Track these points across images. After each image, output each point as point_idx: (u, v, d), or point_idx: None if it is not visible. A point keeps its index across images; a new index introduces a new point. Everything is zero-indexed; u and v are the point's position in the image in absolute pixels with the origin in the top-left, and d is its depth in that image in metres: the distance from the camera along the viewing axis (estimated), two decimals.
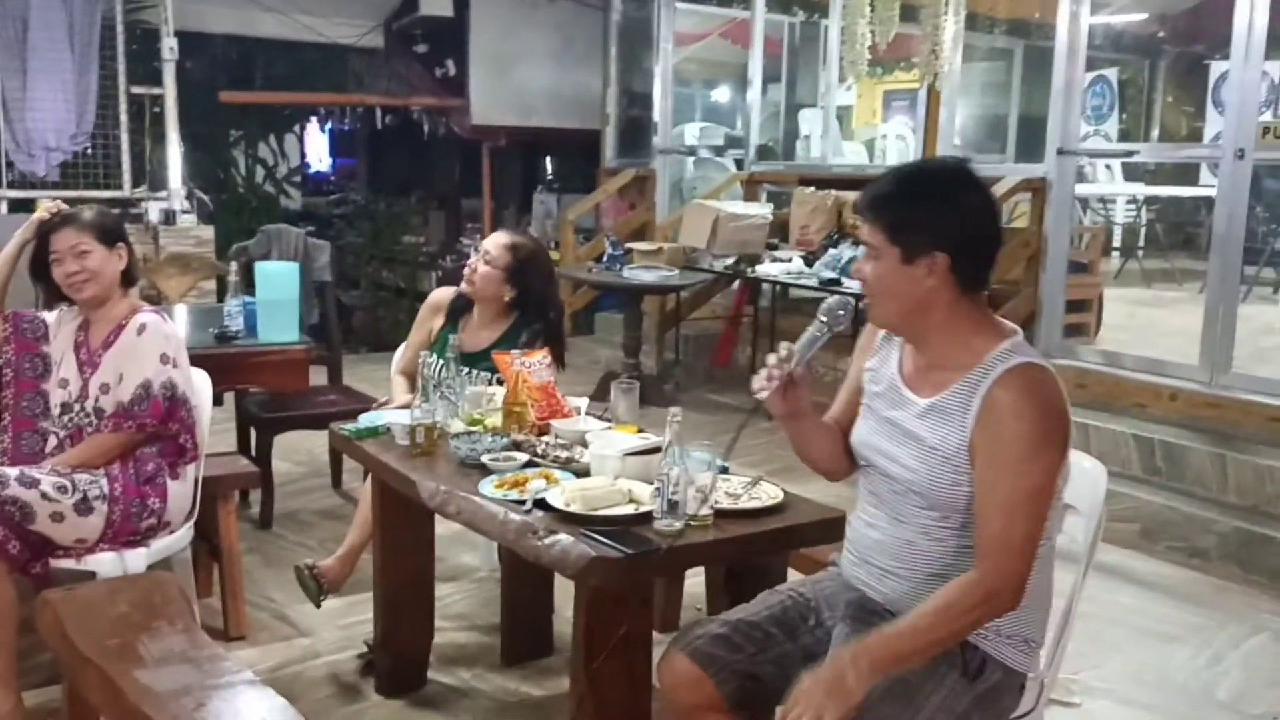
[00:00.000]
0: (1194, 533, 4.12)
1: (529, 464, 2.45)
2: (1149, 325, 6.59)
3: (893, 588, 1.87)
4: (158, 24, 6.81)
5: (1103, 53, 9.81)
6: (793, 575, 2.68)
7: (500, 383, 2.85)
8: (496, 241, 3.32)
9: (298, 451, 4.87)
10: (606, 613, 2.12)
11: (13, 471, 2.61)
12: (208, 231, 6.93)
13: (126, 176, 6.80)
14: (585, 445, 2.51)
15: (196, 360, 3.03)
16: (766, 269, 5.97)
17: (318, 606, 3.14)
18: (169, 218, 6.83)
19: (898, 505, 1.87)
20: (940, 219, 1.78)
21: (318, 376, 4.38)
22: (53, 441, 2.80)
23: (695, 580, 3.31)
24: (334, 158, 13.41)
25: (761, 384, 1.93)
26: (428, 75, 9.42)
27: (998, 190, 5.28)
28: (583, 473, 2.40)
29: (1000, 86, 9.62)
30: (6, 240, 2.97)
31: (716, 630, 1.93)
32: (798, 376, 1.94)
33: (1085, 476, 2.17)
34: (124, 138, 6.76)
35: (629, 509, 2.18)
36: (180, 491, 2.85)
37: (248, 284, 3.96)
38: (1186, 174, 9.48)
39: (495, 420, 2.72)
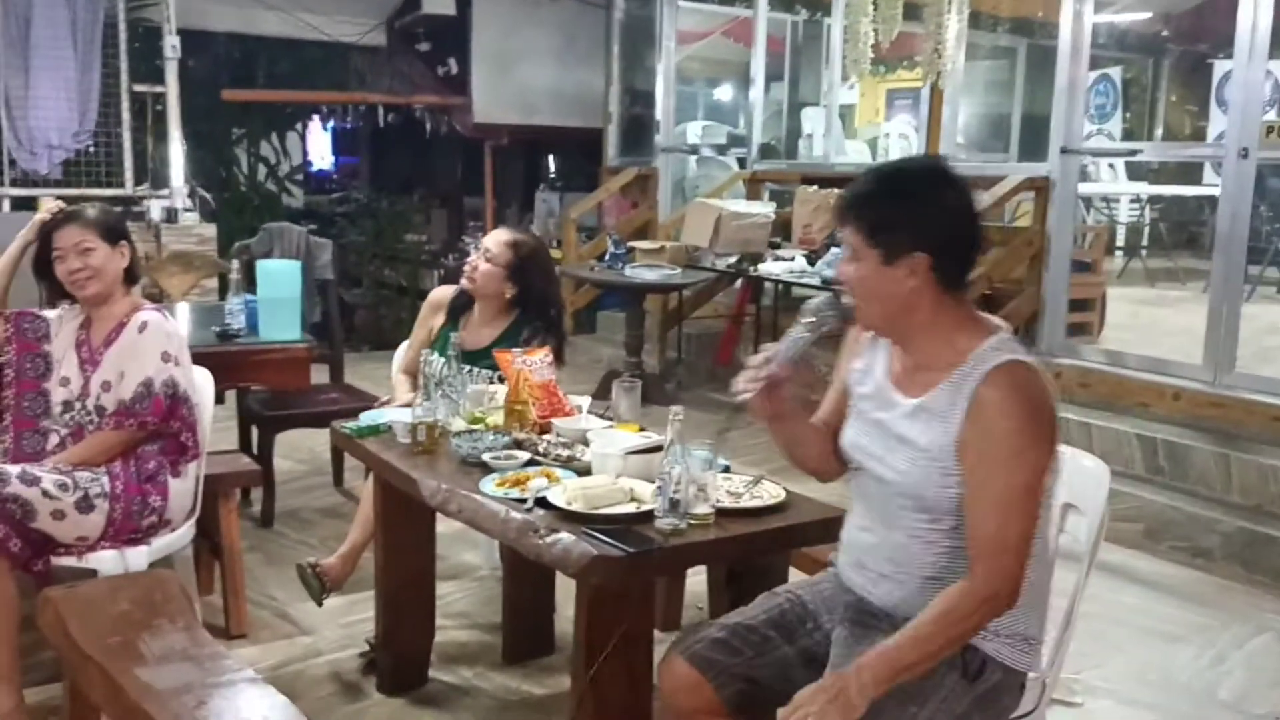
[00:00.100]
0: (1197, 532, 4.11)
1: (530, 462, 2.45)
2: (1152, 324, 6.57)
3: (889, 592, 1.86)
4: (160, 22, 6.80)
5: (1106, 51, 9.80)
6: (794, 574, 2.68)
7: (501, 380, 2.85)
8: (497, 239, 3.32)
9: (299, 450, 4.87)
10: (608, 611, 2.12)
11: (14, 469, 2.61)
12: (210, 229, 6.93)
13: (129, 174, 6.80)
14: (587, 444, 2.50)
15: (198, 358, 3.03)
16: (769, 268, 5.97)
17: (319, 605, 3.14)
18: (171, 216, 6.82)
19: (888, 508, 1.86)
20: (919, 219, 1.77)
21: (319, 375, 4.38)
22: (54, 440, 2.80)
23: (697, 579, 3.31)
24: (336, 156, 13.42)
25: (742, 386, 1.92)
26: (430, 73, 9.42)
27: (1000, 189, 5.28)
28: (584, 471, 2.40)
29: (1003, 85, 9.60)
30: (9, 238, 2.97)
31: (715, 634, 1.93)
32: (780, 379, 1.92)
33: (1088, 476, 2.16)
34: (126, 135, 6.75)
35: (630, 508, 2.18)
36: (182, 489, 2.85)
37: (249, 282, 3.96)
38: (1190, 173, 9.46)
39: (497, 418, 2.72)
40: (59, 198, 3.19)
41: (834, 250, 5.68)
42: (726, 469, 2.41)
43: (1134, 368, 4.93)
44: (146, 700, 1.91)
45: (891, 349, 1.91)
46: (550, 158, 11.07)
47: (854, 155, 8.67)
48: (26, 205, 6.49)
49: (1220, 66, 8.72)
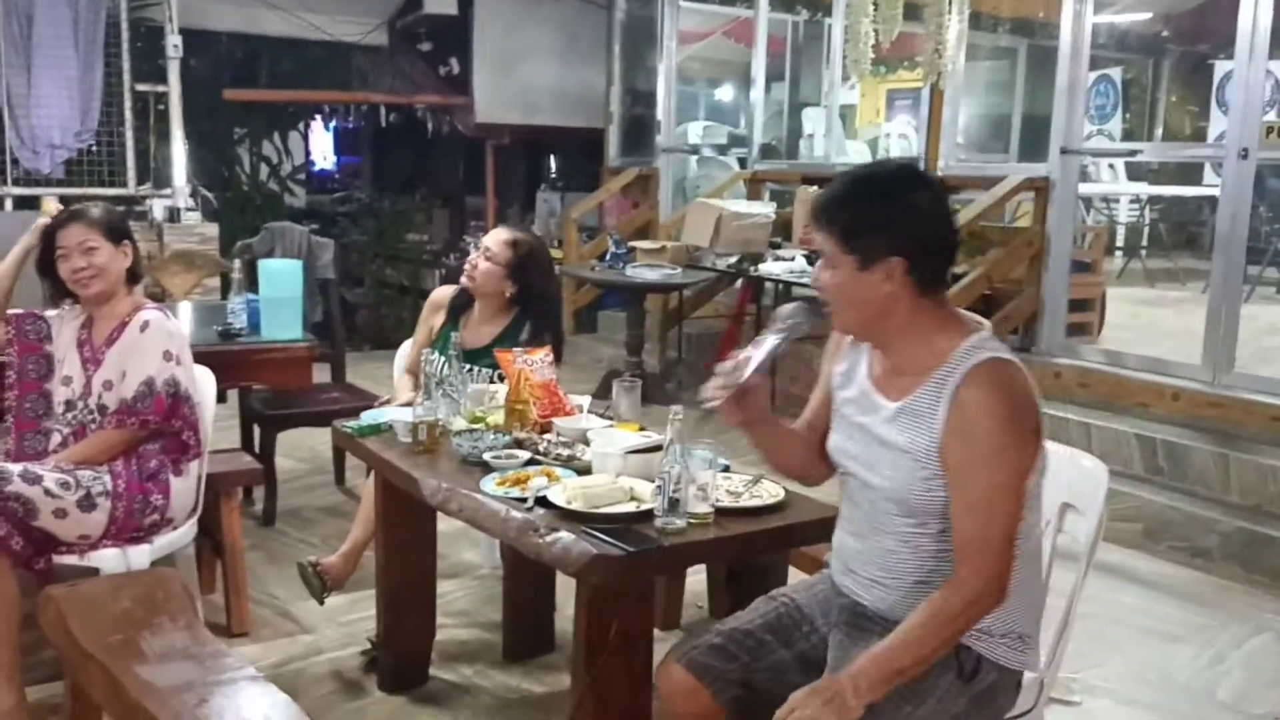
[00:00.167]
0: (1196, 532, 4.11)
1: (531, 462, 2.46)
2: (1152, 325, 6.57)
3: (880, 597, 1.86)
4: (162, 21, 6.82)
5: (1107, 52, 9.79)
6: (794, 573, 2.69)
7: (501, 379, 2.86)
8: (497, 238, 3.33)
9: (301, 449, 4.88)
10: (608, 610, 2.13)
11: (16, 468, 2.62)
12: (212, 229, 6.94)
13: (131, 174, 6.81)
14: (587, 443, 2.51)
15: (200, 357, 3.04)
16: (769, 268, 5.97)
17: (321, 604, 3.15)
18: (173, 215, 6.83)
19: (875, 513, 1.86)
20: (892, 222, 1.76)
21: (321, 374, 4.38)
22: (56, 439, 2.81)
23: (697, 578, 3.32)
24: (338, 155, 13.44)
25: (712, 393, 1.91)
26: (432, 73, 9.42)
27: (1000, 190, 5.28)
28: (584, 470, 2.40)
29: (1004, 85, 9.59)
30: (9, 236, 2.98)
31: (712, 640, 1.93)
32: (751, 385, 1.91)
33: (1087, 476, 2.17)
34: (128, 135, 6.76)
35: (630, 507, 2.19)
36: (183, 488, 2.86)
37: (251, 281, 3.96)
38: (1190, 173, 9.45)
39: (497, 418, 2.73)
40: (61, 197, 3.20)
41: None
42: (726, 468, 2.41)
43: (1133, 368, 4.94)
44: (147, 698, 1.91)
45: (872, 353, 1.91)
46: (552, 157, 11.07)
47: (855, 155, 8.67)
48: (29, 204, 6.50)
49: (1221, 67, 8.72)
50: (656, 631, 2.34)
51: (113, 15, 6.58)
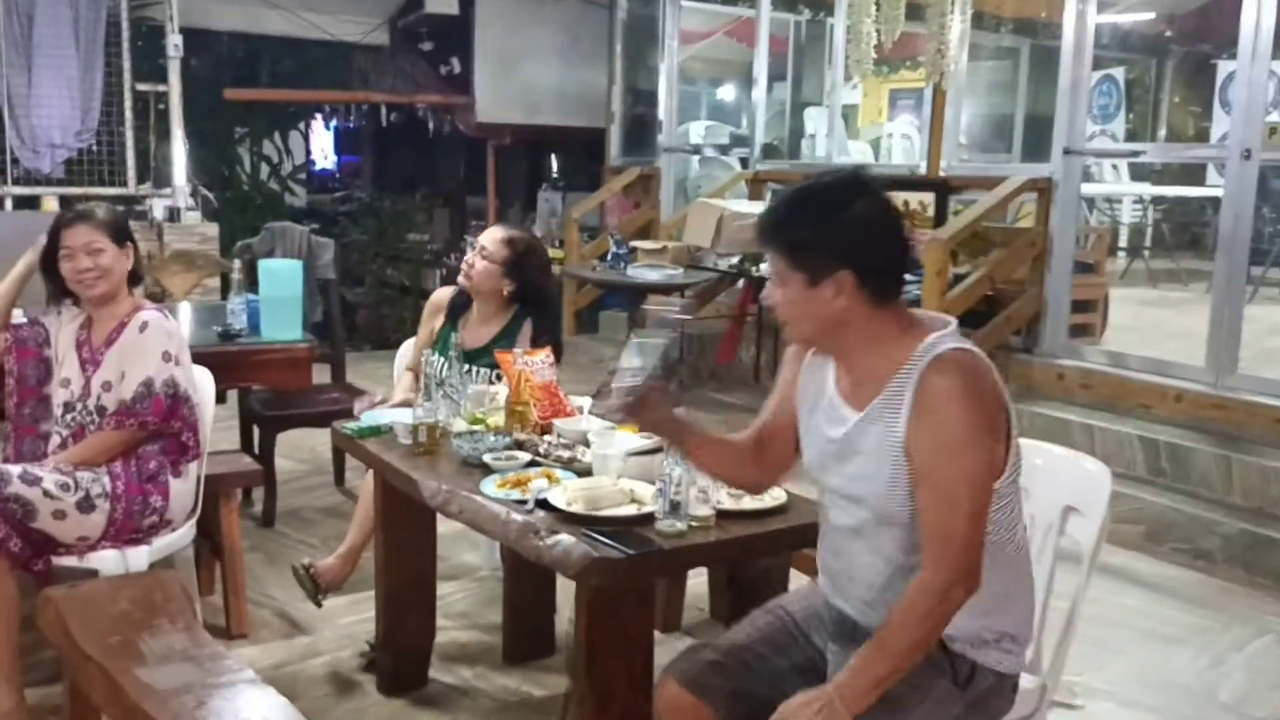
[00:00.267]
0: (1199, 534, 4.10)
1: (531, 463, 2.45)
2: (1155, 326, 6.56)
3: (863, 614, 1.84)
4: (163, 21, 6.82)
5: (1109, 52, 9.78)
6: (795, 576, 2.69)
7: (500, 379, 2.85)
8: (493, 236, 3.33)
9: (300, 449, 4.87)
10: (608, 613, 2.12)
11: (15, 469, 2.61)
12: (212, 229, 6.94)
13: (131, 173, 6.81)
14: (588, 445, 2.50)
15: (200, 358, 3.03)
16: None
17: (318, 605, 3.14)
18: (173, 215, 6.83)
19: (856, 528, 1.83)
20: (836, 236, 1.73)
21: (321, 374, 4.38)
22: (55, 441, 2.80)
23: (698, 580, 3.31)
24: (339, 155, 13.44)
25: (598, 407, 1.94)
26: (433, 73, 9.42)
27: (1003, 190, 5.27)
28: (585, 472, 2.40)
29: (1006, 86, 9.58)
30: (12, 237, 2.97)
31: (709, 657, 1.92)
32: (648, 393, 1.92)
33: (1090, 479, 2.16)
34: (129, 134, 6.76)
35: (631, 509, 2.18)
36: (182, 489, 2.85)
37: (251, 281, 3.96)
38: (1193, 174, 9.43)
39: (498, 419, 2.72)
40: (61, 196, 3.19)
41: None
42: None
43: (1136, 369, 4.92)
44: (146, 700, 1.90)
45: (837, 363, 1.87)
46: (553, 157, 11.07)
47: (857, 155, 8.67)
48: (29, 204, 6.50)
49: (1224, 67, 8.71)
50: (657, 634, 2.33)
51: (113, 14, 6.58)
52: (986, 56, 9.05)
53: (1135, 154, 7.40)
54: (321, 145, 12.98)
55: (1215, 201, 7.01)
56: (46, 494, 2.59)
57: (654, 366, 1.91)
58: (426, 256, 10.09)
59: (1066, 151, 5.25)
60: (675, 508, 2.07)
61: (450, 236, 10.67)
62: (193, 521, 2.93)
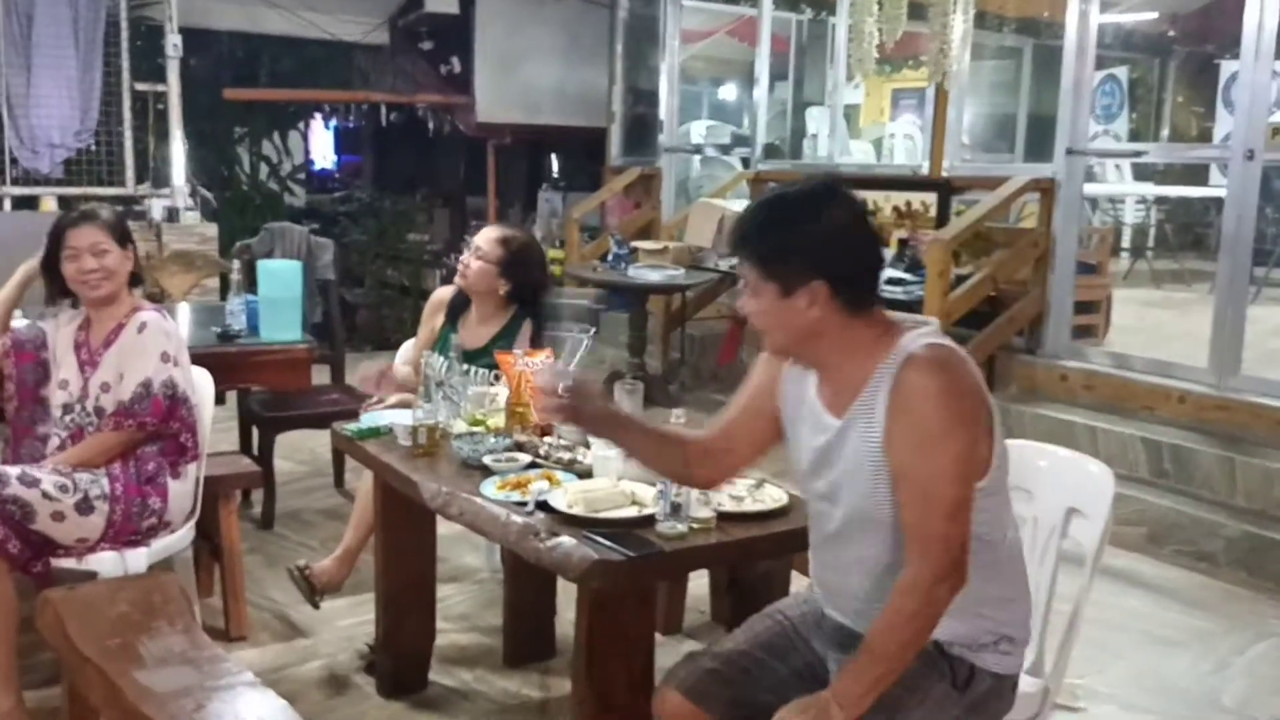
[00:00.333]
0: (1202, 536, 4.09)
1: (531, 465, 2.45)
2: (1158, 327, 6.55)
3: (856, 623, 1.83)
4: (162, 21, 6.81)
5: (1112, 52, 9.76)
6: (796, 578, 2.68)
7: (499, 379, 2.84)
8: (488, 236, 3.32)
9: (300, 451, 4.86)
10: (608, 615, 2.11)
11: (14, 470, 2.60)
12: (211, 229, 6.93)
13: (130, 173, 6.80)
14: (588, 446, 2.49)
15: (198, 359, 3.03)
16: None
17: (314, 607, 3.13)
18: (172, 215, 6.82)
19: (843, 534, 1.82)
20: (808, 246, 1.72)
21: (320, 375, 4.37)
22: (54, 443, 2.79)
23: (699, 582, 3.30)
24: (339, 155, 13.42)
25: (553, 412, 1.96)
26: (433, 72, 9.41)
27: (1005, 190, 5.25)
28: (585, 474, 2.39)
29: (1009, 85, 9.58)
30: (11, 237, 2.97)
31: (707, 665, 1.91)
32: (575, 396, 1.93)
33: (1093, 481, 2.15)
34: (128, 134, 6.76)
35: (632, 511, 2.17)
36: (181, 491, 2.84)
37: (250, 282, 3.95)
38: (1196, 174, 9.42)
39: (498, 421, 2.71)
40: (60, 197, 3.19)
41: None
42: None
43: (1139, 370, 4.91)
44: (145, 703, 1.90)
45: (817, 371, 1.86)
46: (553, 157, 11.06)
47: (859, 155, 8.67)
48: (28, 204, 6.49)
49: (1227, 67, 8.70)
50: (658, 636, 2.32)
51: (112, 14, 6.58)
52: (989, 56, 9.05)
53: (1138, 154, 7.38)
54: (321, 145, 12.96)
55: (1218, 202, 7.01)
56: (45, 495, 2.58)
57: (579, 361, 1.91)
58: (426, 257, 10.08)
59: (1069, 151, 5.24)
60: (676, 510, 2.06)
61: (450, 237, 10.65)
62: (192, 523, 2.92)
